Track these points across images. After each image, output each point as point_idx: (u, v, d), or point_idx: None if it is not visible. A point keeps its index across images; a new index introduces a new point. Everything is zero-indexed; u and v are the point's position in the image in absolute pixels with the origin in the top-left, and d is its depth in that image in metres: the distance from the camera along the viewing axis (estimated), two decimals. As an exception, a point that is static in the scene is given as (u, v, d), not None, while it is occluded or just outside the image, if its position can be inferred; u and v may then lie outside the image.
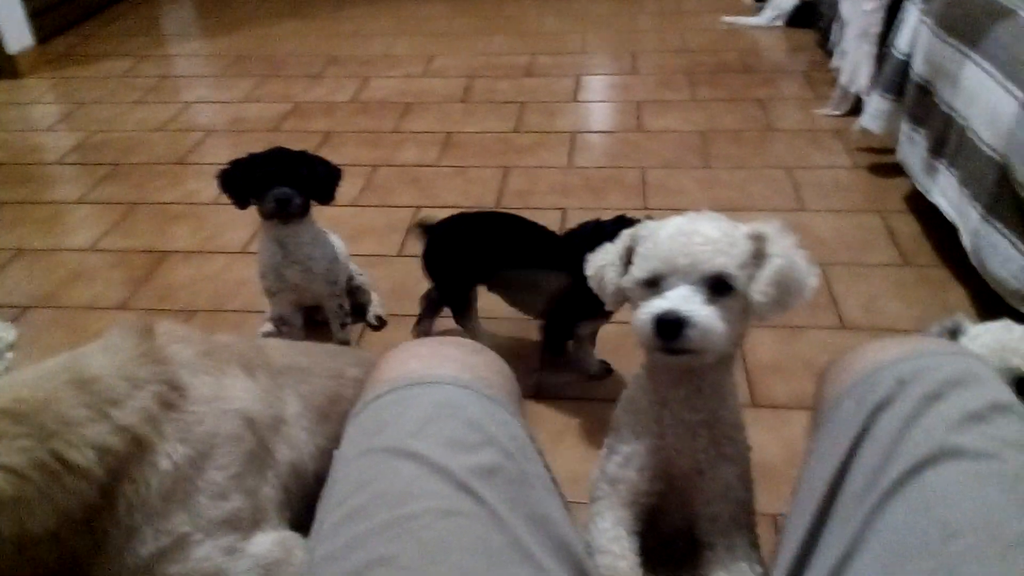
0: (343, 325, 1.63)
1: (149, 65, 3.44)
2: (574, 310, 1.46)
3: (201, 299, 1.91)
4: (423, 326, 1.70)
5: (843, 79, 2.50)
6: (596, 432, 1.48)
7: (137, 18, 4.09)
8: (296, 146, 1.55)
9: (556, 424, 1.52)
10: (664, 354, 0.72)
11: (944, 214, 1.78)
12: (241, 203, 1.45)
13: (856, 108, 2.42)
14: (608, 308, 0.83)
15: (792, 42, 3.29)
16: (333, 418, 0.89)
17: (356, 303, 1.77)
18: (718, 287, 0.72)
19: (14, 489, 0.61)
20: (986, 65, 1.61)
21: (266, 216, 1.45)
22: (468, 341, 0.72)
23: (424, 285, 1.90)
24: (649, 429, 0.78)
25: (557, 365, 1.66)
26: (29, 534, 0.63)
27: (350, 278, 1.73)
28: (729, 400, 0.77)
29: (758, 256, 0.74)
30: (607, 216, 1.43)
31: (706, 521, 0.75)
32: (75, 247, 2.14)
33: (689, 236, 0.73)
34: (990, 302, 1.61)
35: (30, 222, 2.26)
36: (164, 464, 0.71)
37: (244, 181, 1.42)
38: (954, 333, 0.99)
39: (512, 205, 2.23)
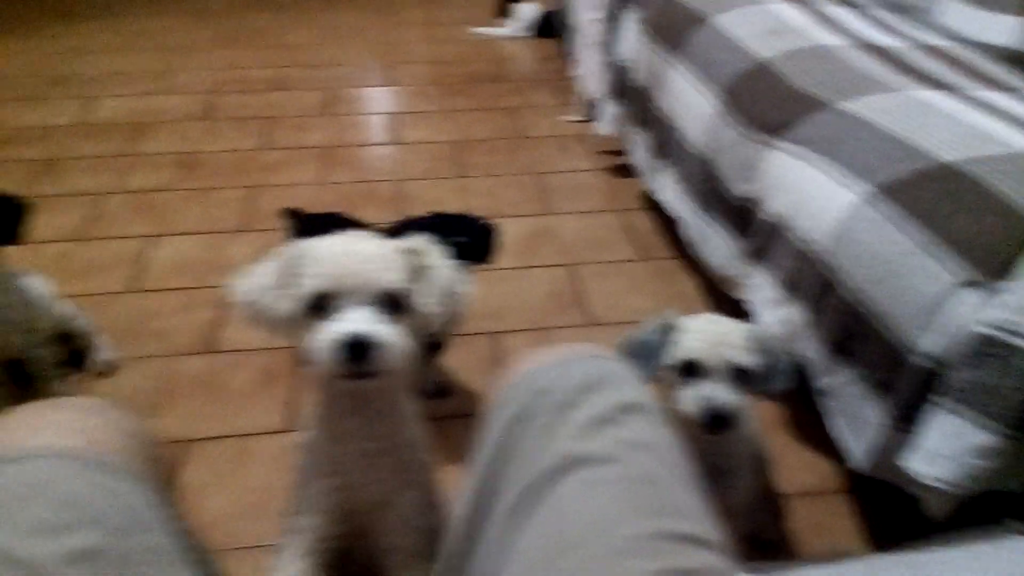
0: (54, 378, 1.45)
1: None
2: None
3: None
4: None
5: (581, 86, 2.62)
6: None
7: None
8: (10, 177, 1.35)
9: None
10: (350, 379, 0.68)
11: (668, 209, 1.90)
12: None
13: (595, 113, 2.55)
14: (274, 335, 0.76)
15: (538, 52, 3.42)
16: None
17: (75, 349, 1.58)
18: (391, 305, 0.70)
19: None
20: (687, 69, 1.75)
21: (-66, 264, 1.24)
22: (89, 401, 0.64)
23: (158, 320, 1.76)
24: (328, 468, 0.74)
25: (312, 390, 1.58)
26: None
27: (63, 323, 1.54)
28: (408, 422, 0.75)
29: (416, 270, 0.73)
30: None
31: (388, 554, 0.73)
32: None
33: (354, 255, 0.70)
34: (715, 288, 1.74)
35: None
36: None
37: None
38: (669, 330, 1.04)
39: (260, 227, 2.11)
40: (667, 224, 2.06)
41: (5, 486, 0.51)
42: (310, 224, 1.58)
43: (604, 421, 0.55)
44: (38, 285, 1.46)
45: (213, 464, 1.41)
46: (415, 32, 3.69)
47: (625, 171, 2.36)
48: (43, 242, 2.01)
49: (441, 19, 3.85)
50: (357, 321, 0.68)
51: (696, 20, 1.79)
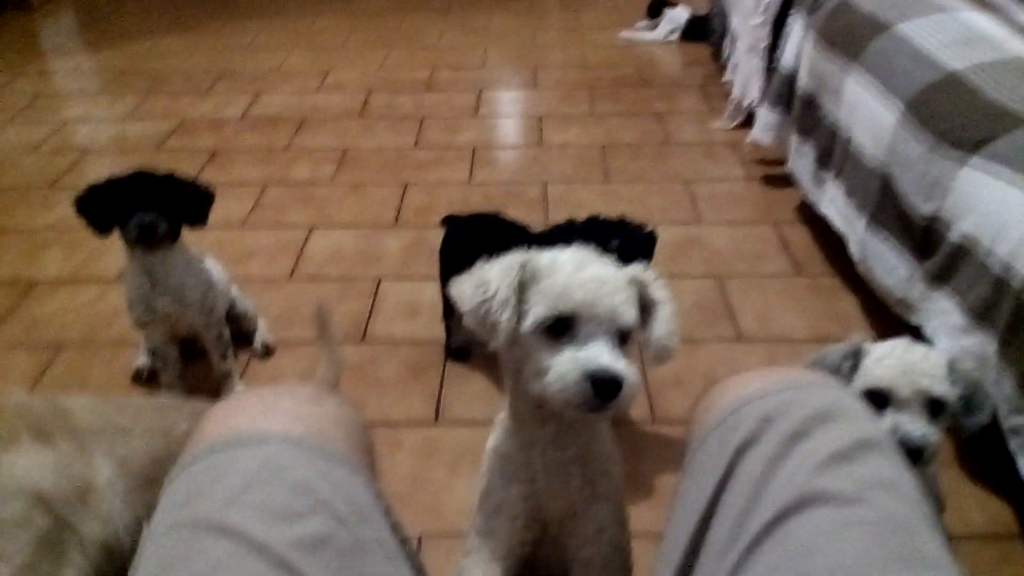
0: (223, 356, 1.53)
1: (24, 81, 3.22)
2: None
3: (71, 332, 1.77)
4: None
5: (735, 92, 2.54)
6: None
7: (12, 32, 3.84)
8: (182, 164, 1.46)
9: (455, 451, 1.46)
10: (586, 412, 0.65)
11: (833, 224, 1.81)
12: (101, 230, 1.33)
13: (749, 121, 2.46)
14: (495, 347, 0.74)
15: (687, 56, 3.34)
16: (160, 483, 0.80)
17: (241, 331, 1.67)
18: (623, 337, 0.68)
19: None
20: (866, 78, 1.65)
21: (130, 243, 1.34)
22: (308, 389, 0.65)
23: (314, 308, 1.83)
24: (518, 475, 0.72)
25: (459, 385, 1.60)
26: None
27: (232, 305, 1.63)
28: (601, 433, 0.73)
29: (640, 301, 0.71)
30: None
31: (580, 567, 0.70)
32: (-71, 279, 1.96)
33: (598, 281, 0.67)
34: (879, 310, 1.64)
35: None
36: None
37: (104, 207, 1.31)
38: (856, 355, 0.98)
39: (411, 222, 2.17)
40: (827, 239, 1.96)
41: (244, 468, 0.52)
42: (469, 225, 1.60)
43: (843, 457, 0.51)
44: (217, 268, 1.55)
45: (365, 451, 1.45)
46: (561, 36, 3.70)
47: (780, 182, 2.27)
48: (212, 228, 2.12)
49: (587, 23, 3.84)
50: (607, 356, 0.65)
51: (877, 28, 1.69)
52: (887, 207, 1.53)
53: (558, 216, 2.16)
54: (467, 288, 0.72)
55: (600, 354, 0.65)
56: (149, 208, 1.30)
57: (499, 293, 0.69)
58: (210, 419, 0.59)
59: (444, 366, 1.66)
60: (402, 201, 2.27)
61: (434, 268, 1.63)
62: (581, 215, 1.45)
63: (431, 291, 1.79)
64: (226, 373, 1.55)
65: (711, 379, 1.66)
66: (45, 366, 1.66)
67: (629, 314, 0.67)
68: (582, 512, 0.70)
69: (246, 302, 1.69)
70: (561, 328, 0.67)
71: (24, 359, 1.69)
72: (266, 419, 0.58)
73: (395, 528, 0.59)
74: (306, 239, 2.08)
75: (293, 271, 1.96)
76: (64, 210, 2.25)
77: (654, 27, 3.57)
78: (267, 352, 1.68)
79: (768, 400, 0.57)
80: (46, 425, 0.75)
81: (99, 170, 2.48)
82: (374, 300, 1.85)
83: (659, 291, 0.71)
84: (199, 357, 1.60)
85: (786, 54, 2.09)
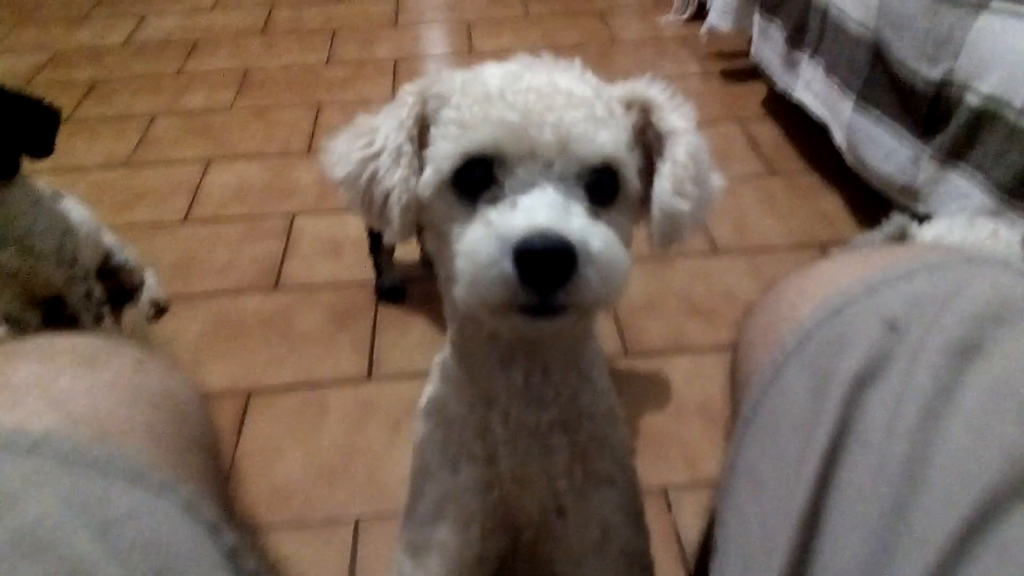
0: (97, 319, 1.24)
1: None
2: None
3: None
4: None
5: (685, -21, 2.27)
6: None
7: None
8: (53, 100, 1.13)
9: (394, 412, 1.21)
10: (528, 318, 0.37)
11: (810, 112, 1.58)
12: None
13: (701, 12, 2.21)
14: (392, 239, 0.45)
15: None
16: None
17: (123, 287, 1.38)
18: (600, 188, 0.40)
19: None
20: (845, -68, 1.40)
21: (-56, 181, 1.03)
22: (80, 341, 0.37)
23: (216, 253, 1.54)
24: (470, 450, 0.45)
25: (394, 332, 1.35)
26: None
27: (107, 255, 1.33)
28: (596, 378, 0.46)
29: (643, 136, 0.43)
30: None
31: None
32: None
33: (545, 93, 0.40)
34: (868, 206, 1.43)
35: None
36: None
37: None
38: (900, 239, 0.75)
39: (327, 149, 1.87)
40: (800, 132, 1.75)
41: None
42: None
43: None
44: (78, 211, 1.24)
45: (282, 419, 1.19)
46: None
47: (742, 75, 2.03)
48: (90, 168, 1.81)
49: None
50: (547, 209, 0.37)
51: None
52: (879, 80, 1.30)
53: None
54: (341, 145, 0.45)
55: (533, 209, 0.37)
56: (-37, 134, 1.00)
57: (388, 142, 0.42)
58: None
59: (376, 310, 1.40)
60: (315, 125, 1.97)
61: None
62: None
63: (355, 224, 1.53)
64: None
65: (688, 299, 1.41)
66: None
67: (600, 141, 0.39)
68: (574, 506, 0.44)
69: (128, 251, 1.39)
70: (480, 179, 0.39)
71: None
72: None
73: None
74: (203, 175, 1.77)
75: (188, 213, 1.66)
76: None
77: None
78: (159, 311, 1.39)
79: (888, 294, 0.32)
80: None
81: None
82: (288, 240, 1.58)
83: (673, 117, 0.43)
84: (70, 323, 1.31)
85: (744, -78, 1.82)
